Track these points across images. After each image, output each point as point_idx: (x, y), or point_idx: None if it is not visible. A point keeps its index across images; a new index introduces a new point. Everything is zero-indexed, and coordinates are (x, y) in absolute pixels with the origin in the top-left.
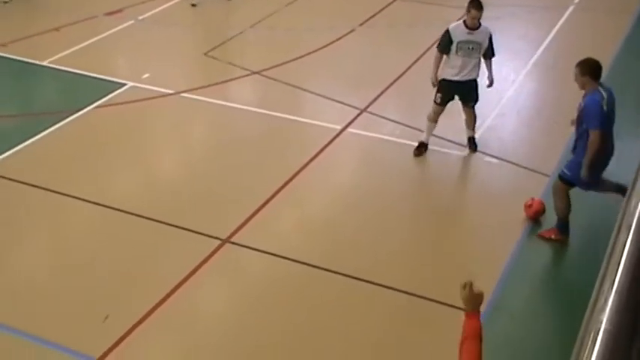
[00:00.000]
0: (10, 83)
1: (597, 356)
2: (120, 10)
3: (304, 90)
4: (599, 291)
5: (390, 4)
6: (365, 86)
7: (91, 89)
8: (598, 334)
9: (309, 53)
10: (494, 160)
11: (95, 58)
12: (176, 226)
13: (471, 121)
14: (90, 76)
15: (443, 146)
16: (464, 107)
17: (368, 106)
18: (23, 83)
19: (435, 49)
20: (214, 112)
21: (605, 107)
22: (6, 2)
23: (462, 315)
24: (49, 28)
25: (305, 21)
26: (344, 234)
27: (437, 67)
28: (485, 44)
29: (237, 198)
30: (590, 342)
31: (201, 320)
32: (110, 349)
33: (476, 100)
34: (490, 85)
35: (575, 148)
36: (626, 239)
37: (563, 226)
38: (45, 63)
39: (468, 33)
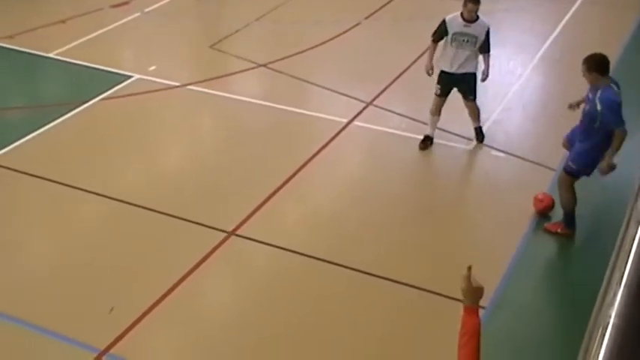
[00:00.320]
0: (17, 75)
1: (606, 351)
2: (126, 3)
3: (310, 83)
4: (607, 285)
5: None
6: (371, 79)
7: (97, 81)
8: (607, 328)
9: (315, 46)
10: (500, 154)
11: (101, 50)
12: (181, 219)
13: (474, 113)
14: (96, 68)
15: (449, 139)
16: (464, 101)
17: (374, 100)
18: (30, 75)
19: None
20: (220, 104)
21: (620, 99)
22: None
23: None
24: (55, 21)
25: (311, 14)
26: (349, 227)
27: (431, 56)
28: (482, 38)
29: (242, 190)
30: (598, 337)
31: (205, 312)
32: (115, 341)
33: (474, 94)
34: (484, 79)
35: (580, 139)
36: (635, 233)
37: (569, 219)
38: (51, 55)
39: (465, 25)
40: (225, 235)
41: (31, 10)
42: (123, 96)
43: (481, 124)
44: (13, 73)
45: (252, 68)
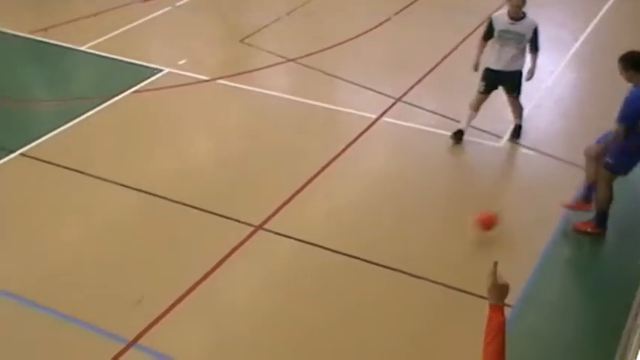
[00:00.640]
0: (50, 68)
1: None
2: None
3: (339, 78)
4: None
5: None
6: (400, 75)
7: (128, 75)
8: None
9: (346, 41)
10: (530, 152)
11: (132, 43)
12: (209, 212)
13: (516, 110)
14: (127, 62)
15: (478, 137)
16: (507, 97)
17: (403, 95)
18: (62, 68)
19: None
20: (249, 99)
21: None
22: None
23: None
24: (87, 14)
25: (341, 8)
26: (377, 223)
27: (478, 53)
28: (529, 36)
29: (270, 185)
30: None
31: (232, 306)
32: (143, 332)
33: (518, 91)
34: (529, 78)
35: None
36: None
37: (601, 218)
38: (83, 48)
39: (510, 23)
40: (252, 229)
41: (64, 4)
42: (153, 89)
43: (521, 123)
44: (45, 66)
45: (282, 63)
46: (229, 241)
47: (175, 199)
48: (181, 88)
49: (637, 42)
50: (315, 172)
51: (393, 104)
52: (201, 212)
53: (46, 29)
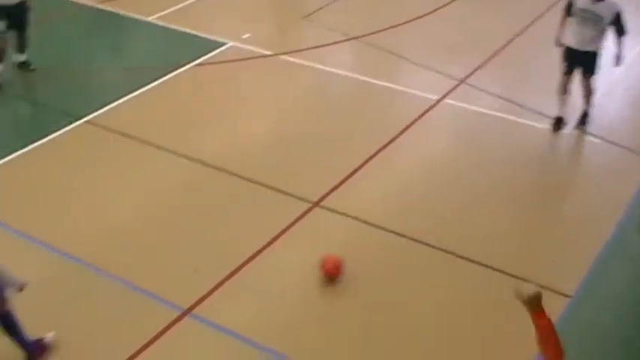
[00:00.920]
0: (116, 38)
1: None
2: None
3: (402, 57)
4: None
5: None
6: (465, 56)
7: (192, 47)
8: None
9: (411, 20)
10: (596, 140)
11: (198, 16)
12: (267, 186)
13: (586, 94)
14: (192, 34)
15: (543, 122)
16: (580, 79)
17: (467, 77)
18: (128, 38)
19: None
20: (311, 75)
21: None
22: None
23: (561, 301)
24: None
25: None
26: (435, 207)
27: (560, 28)
28: (608, 19)
29: (328, 162)
30: None
31: (284, 281)
32: (198, 302)
33: (592, 72)
34: (616, 64)
35: None
36: None
37: None
38: (149, 19)
39: (591, 2)
40: (309, 205)
41: None
42: (217, 62)
43: (588, 109)
44: (112, 36)
45: (345, 40)
46: (286, 217)
47: (233, 172)
48: (244, 62)
49: None
50: (375, 151)
51: (457, 86)
52: (259, 186)
53: None
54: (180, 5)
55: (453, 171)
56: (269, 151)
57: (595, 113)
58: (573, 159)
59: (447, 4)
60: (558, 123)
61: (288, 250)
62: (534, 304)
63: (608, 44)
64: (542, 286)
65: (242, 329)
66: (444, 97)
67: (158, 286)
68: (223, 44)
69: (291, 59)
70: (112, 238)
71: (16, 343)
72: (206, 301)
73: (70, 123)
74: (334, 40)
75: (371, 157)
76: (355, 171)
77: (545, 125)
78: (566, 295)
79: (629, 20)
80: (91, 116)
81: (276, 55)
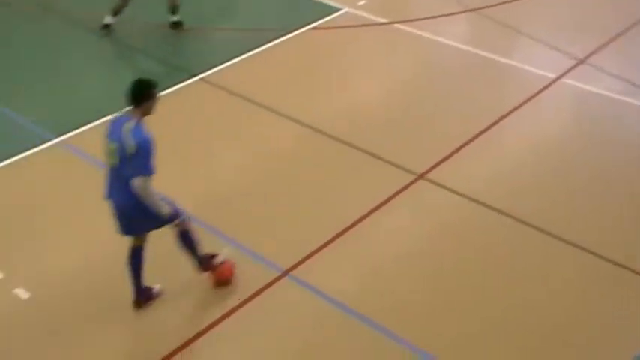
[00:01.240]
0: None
1: None
2: None
3: (521, 32)
4: None
5: None
6: (587, 35)
7: (308, 11)
8: None
9: None
10: None
11: None
12: (372, 155)
13: None
14: None
15: None
16: None
17: (588, 56)
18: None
19: None
20: (425, 45)
21: None
22: None
23: None
24: None
25: None
26: (546, 189)
27: None
28: None
29: (436, 134)
30: None
31: (383, 252)
32: (297, 264)
33: None
34: None
35: None
36: None
37: None
38: None
39: None
40: (414, 177)
41: None
42: (331, 28)
43: None
44: None
45: (462, 12)
46: (389, 187)
47: (340, 138)
48: (358, 28)
49: None
50: (484, 127)
51: (576, 65)
52: (364, 154)
53: None
54: None
55: (568, 153)
56: (376, 120)
57: None
58: None
59: None
60: None
61: (389, 221)
62: None
63: None
64: None
65: (338, 294)
66: (561, 76)
67: (258, 244)
68: (339, 10)
69: (406, 28)
70: (214, 196)
71: (192, 260)
72: (306, 263)
73: (186, 79)
74: (451, 11)
75: (480, 133)
76: (463, 146)
77: None
78: None
79: None
80: (206, 74)
81: (390, 23)
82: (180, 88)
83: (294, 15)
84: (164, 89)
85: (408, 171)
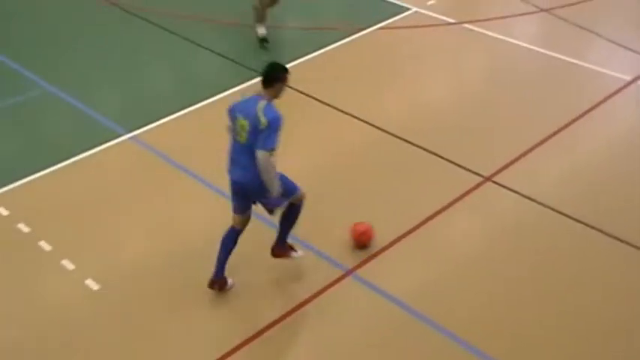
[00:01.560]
0: None
1: None
2: None
3: (595, 33)
4: None
5: None
6: None
7: (376, 10)
8: None
9: None
10: None
11: None
12: (439, 156)
13: None
14: None
15: None
16: None
17: None
18: None
19: None
20: (494, 46)
21: None
22: None
23: None
24: None
25: None
26: (614, 195)
27: None
28: None
29: (504, 137)
30: None
31: (446, 252)
32: (362, 263)
33: None
34: None
35: None
36: None
37: None
38: None
39: None
40: (481, 179)
41: None
42: (399, 27)
43: None
44: None
45: (534, 12)
46: (455, 189)
47: (405, 138)
48: (427, 28)
49: None
50: (554, 130)
51: None
52: (431, 155)
53: None
54: None
55: (634, 157)
56: (443, 121)
57: None
58: None
59: None
60: None
61: (454, 223)
62: None
63: None
64: None
65: (402, 295)
66: (636, 78)
67: (323, 243)
68: (408, 9)
69: (475, 28)
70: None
71: (280, 235)
72: (371, 262)
73: (252, 78)
74: (523, 11)
75: (550, 137)
76: (532, 148)
77: None
78: None
79: None
80: None
81: (459, 23)
82: (249, 85)
83: (363, 14)
84: (232, 87)
85: (475, 173)
